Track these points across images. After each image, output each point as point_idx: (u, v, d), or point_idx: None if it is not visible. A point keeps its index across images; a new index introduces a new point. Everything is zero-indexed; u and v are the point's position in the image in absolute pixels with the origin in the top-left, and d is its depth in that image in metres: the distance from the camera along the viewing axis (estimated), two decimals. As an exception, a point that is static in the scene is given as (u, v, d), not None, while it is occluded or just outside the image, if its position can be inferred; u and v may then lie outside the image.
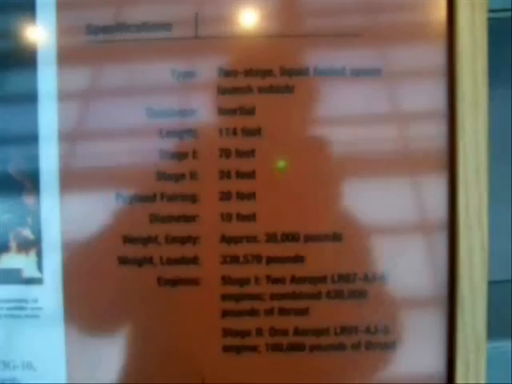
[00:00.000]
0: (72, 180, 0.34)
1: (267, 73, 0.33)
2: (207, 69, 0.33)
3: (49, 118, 0.33)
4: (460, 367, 0.33)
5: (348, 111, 0.33)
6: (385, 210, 0.33)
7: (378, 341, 0.34)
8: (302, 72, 0.33)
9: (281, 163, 0.33)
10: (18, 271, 0.34)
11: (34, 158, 0.33)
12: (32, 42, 0.33)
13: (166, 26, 0.33)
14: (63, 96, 0.33)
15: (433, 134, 0.33)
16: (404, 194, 0.33)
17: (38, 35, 0.33)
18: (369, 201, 0.33)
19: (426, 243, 0.33)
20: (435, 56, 0.33)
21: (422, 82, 0.33)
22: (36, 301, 0.34)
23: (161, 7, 0.33)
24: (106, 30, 0.33)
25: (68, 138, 0.34)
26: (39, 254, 0.34)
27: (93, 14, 0.33)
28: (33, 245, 0.34)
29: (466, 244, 0.32)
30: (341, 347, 0.34)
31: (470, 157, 0.32)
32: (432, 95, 0.33)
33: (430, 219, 0.33)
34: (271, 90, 0.33)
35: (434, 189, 0.33)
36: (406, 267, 0.34)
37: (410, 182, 0.33)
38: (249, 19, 0.33)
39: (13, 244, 0.34)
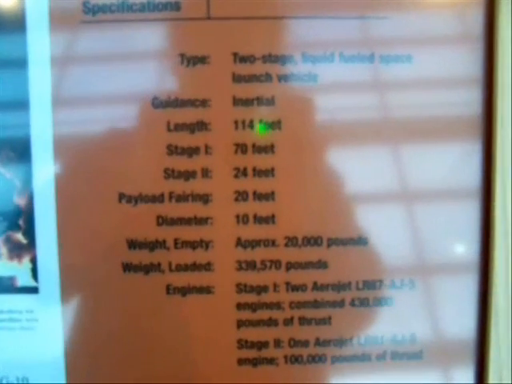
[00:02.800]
0: (68, 169, 0.30)
1: (288, 59, 0.30)
2: (221, 54, 0.29)
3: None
4: (492, 379, 0.31)
5: (379, 91, 0.30)
6: (415, 183, 0.31)
7: (405, 351, 0.31)
8: (326, 59, 0.30)
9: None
10: (10, 279, 0.31)
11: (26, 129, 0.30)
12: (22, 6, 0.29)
13: (174, 5, 0.29)
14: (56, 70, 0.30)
15: (468, 100, 0.30)
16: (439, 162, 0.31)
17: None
18: (398, 174, 0.31)
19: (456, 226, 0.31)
20: (472, 22, 0.30)
21: (458, 48, 0.30)
22: (31, 312, 0.31)
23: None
24: (105, 8, 0.29)
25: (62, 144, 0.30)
26: (34, 261, 0.30)
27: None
28: (26, 250, 0.30)
29: (502, 217, 0.30)
30: (365, 358, 0.31)
31: (507, 124, 0.30)
32: (468, 61, 0.30)
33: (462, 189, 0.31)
34: (292, 78, 0.30)
35: (469, 157, 0.31)
36: (434, 267, 0.31)
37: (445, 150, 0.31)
38: (267, -2, 0.29)
39: (3, 250, 0.30)
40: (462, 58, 0.30)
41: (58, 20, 0.29)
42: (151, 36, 0.30)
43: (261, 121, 0.30)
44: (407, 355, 0.31)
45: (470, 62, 0.30)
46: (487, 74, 0.30)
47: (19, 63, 0.30)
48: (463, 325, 0.31)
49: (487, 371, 0.31)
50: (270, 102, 0.30)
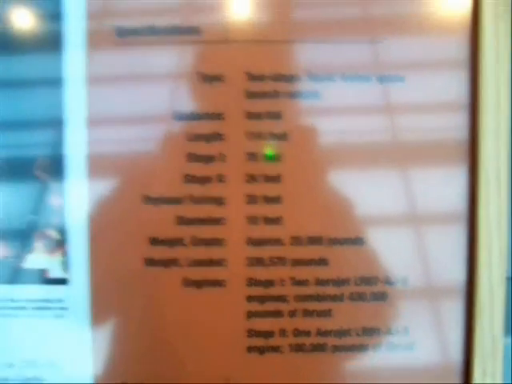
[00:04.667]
0: (99, 177, 0.34)
1: (294, 78, 0.33)
2: (235, 73, 0.33)
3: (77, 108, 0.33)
4: (477, 368, 0.34)
5: (373, 112, 0.34)
6: (404, 201, 0.34)
7: (399, 342, 0.35)
8: (328, 78, 0.33)
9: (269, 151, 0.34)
10: (43, 271, 0.34)
11: (60, 147, 0.33)
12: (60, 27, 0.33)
13: (195, 29, 0.33)
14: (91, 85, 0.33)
15: (454, 125, 0.34)
16: (423, 186, 0.34)
17: (66, 21, 0.33)
18: (388, 193, 0.34)
19: (444, 238, 0.34)
20: (458, 49, 0.33)
21: (445, 74, 0.34)
22: (62, 301, 0.34)
23: (191, 12, 0.33)
24: (134, 31, 0.33)
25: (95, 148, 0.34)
26: (65, 255, 0.34)
27: (122, 16, 0.33)
28: (58, 245, 0.34)
29: (486, 238, 0.33)
30: (362, 348, 0.34)
31: (491, 149, 0.33)
32: (454, 87, 0.34)
33: (448, 212, 0.34)
34: (298, 95, 0.33)
35: (454, 181, 0.34)
36: (424, 267, 0.34)
37: (430, 174, 0.34)
38: (277, 25, 0.33)
39: (38, 244, 0.34)
40: (449, 83, 0.34)
41: (94, 41, 0.33)
42: (174, 56, 0.33)
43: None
44: (401, 346, 0.35)
45: (456, 88, 0.34)
46: (473, 99, 0.33)
47: (56, 82, 0.33)
48: (451, 322, 0.35)
49: (472, 369, 0.34)
50: (278, 116, 0.33)
